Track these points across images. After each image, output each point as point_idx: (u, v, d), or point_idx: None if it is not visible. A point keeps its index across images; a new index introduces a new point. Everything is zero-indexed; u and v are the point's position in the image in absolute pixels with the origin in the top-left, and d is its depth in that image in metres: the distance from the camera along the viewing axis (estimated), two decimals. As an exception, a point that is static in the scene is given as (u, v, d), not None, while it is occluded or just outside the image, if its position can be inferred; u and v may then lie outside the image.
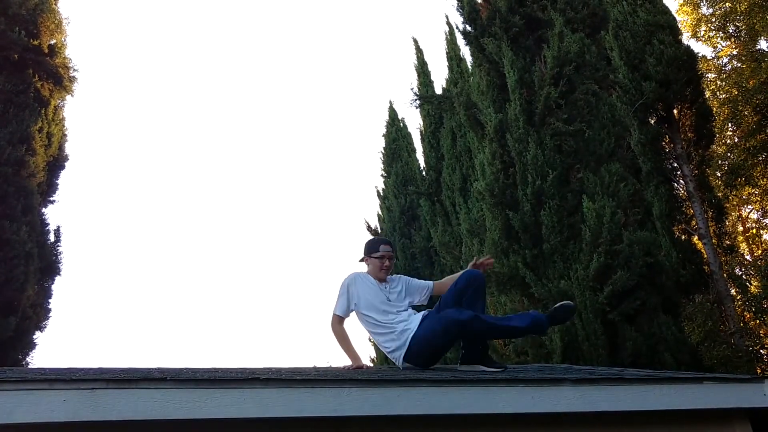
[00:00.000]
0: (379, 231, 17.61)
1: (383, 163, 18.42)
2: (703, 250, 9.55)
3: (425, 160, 16.73)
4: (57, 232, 11.78)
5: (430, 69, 17.43)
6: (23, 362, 10.49)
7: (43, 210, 11.71)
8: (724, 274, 9.49)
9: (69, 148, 12.75)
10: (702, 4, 15.14)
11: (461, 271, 4.43)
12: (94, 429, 2.60)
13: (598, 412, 3.03)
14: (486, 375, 3.49)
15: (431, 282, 4.65)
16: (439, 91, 16.55)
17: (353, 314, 4.37)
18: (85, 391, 2.56)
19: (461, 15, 9.79)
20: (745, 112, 13.32)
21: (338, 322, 4.31)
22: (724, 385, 3.19)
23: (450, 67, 16.19)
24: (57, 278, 11.56)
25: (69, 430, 2.58)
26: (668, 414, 3.14)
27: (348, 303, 4.30)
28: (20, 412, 2.48)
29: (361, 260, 4.53)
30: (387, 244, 4.50)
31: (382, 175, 18.43)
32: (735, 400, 3.15)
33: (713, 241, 9.59)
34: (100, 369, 3.74)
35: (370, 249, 4.46)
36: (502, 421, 2.99)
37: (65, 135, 12.66)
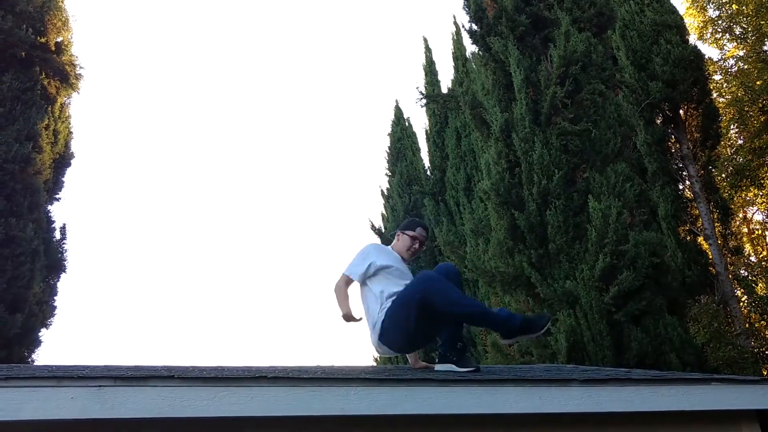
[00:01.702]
0: (383, 230, 17.61)
1: (388, 163, 18.43)
2: (708, 251, 9.55)
3: (430, 160, 16.73)
4: (63, 229, 11.81)
5: (437, 68, 17.45)
6: (29, 359, 10.51)
7: (49, 207, 11.73)
8: (730, 276, 9.49)
9: (75, 146, 12.79)
10: (708, 6, 15.11)
11: None
12: (101, 426, 2.60)
13: (606, 412, 3.02)
14: (493, 374, 3.48)
15: None
16: (445, 90, 16.57)
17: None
18: (93, 389, 2.55)
19: (468, 14, 9.77)
20: (751, 113, 13.29)
21: (345, 283, 4.09)
22: (732, 386, 3.17)
23: (456, 67, 16.19)
24: (62, 276, 11.59)
25: (77, 427, 2.58)
26: (676, 415, 3.13)
27: (366, 268, 4.06)
28: (28, 409, 2.48)
29: (393, 233, 4.43)
30: (425, 229, 4.37)
31: (386, 175, 18.44)
32: (743, 401, 3.14)
33: (719, 242, 9.58)
34: (106, 366, 3.74)
35: (407, 226, 4.36)
36: (510, 421, 2.98)
37: (71, 132, 12.68)
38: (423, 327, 3.87)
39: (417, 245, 4.28)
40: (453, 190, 14.84)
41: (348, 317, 3.93)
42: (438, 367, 3.91)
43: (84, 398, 2.53)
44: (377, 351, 4.13)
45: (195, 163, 41.32)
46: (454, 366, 3.81)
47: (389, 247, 4.37)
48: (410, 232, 4.29)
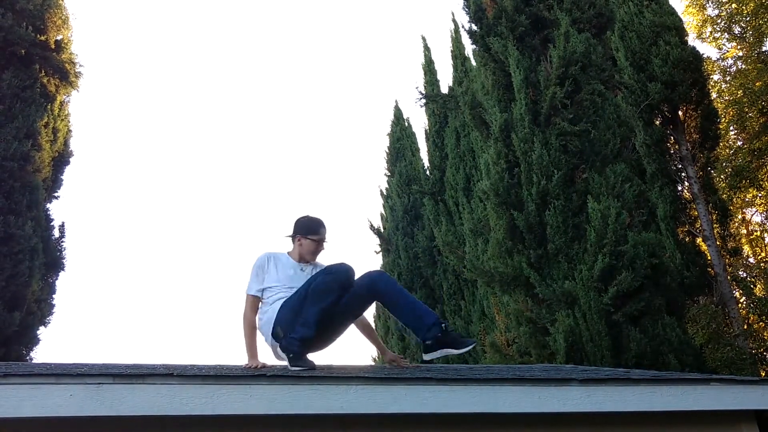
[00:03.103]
0: (382, 230, 17.62)
1: (387, 162, 18.42)
2: (707, 252, 9.55)
3: (429, 160, 16.72)
4: (62, 227, 11.79)
5: (436, 68, 17.42)
6: (27, 357, 10.50)
7: (48, 206, 11.71)
8: (728, 277, 9.49)
9: (74, 144, 12.77)
10: (707, 5, 15.12)
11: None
12: (100, 424, 2.60)
13: (605, 412, 3.02)
14: (492, 373, 3.48)
15: None
16: (444, 90, 16.55)
17: None
18: (92, 386, 2.56)
19: (467, 14, 9.78)
20: (751, 115, 13.29)
21: (252, 305, 3.95)
22: (731, 387, 3.18)
23: (455, 66, 16.18)
24: (61, 274, 11.57)
25: (76, 424, 2.58)
26: (675, 415, 3.13)
27: (263, 281, 3.99)
28: (28, 406, 2.48)
29: (291, 236, 4.19)
30: (325, 229, 4.20)
31: (385, 174, 18.44)
32: (743, 401, 3.14)
33: (717, 243, 9.58)
34: (105, 364, 3.74)
35: (309, 229, 4.13)
36: (509, 420, 2.98)
37: (70, 131, 12.66)
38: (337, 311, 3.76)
39: (321, 246, 4.16)
40: (452, 190, 14.84)
41: (257, 368, 3.61)
42: (429, 356, 3.62)
43: (83, 396, 2.53)
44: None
45: (194, 162, 41.31)
46: (451, 350, 3.56)
47: (286, 253, 4.21)
48: (314, 236, 4.11)
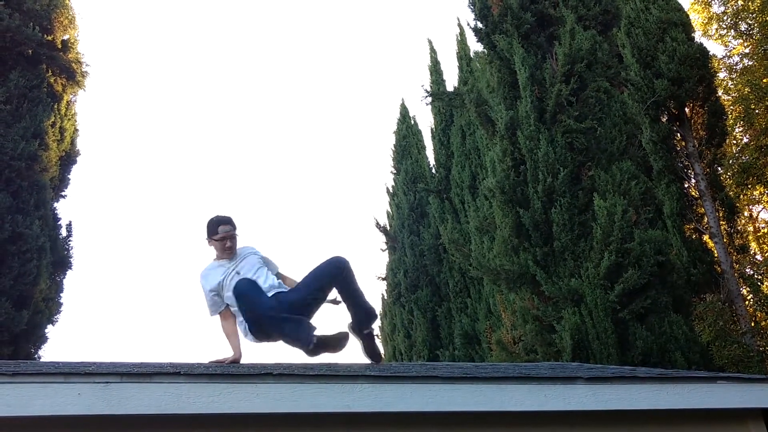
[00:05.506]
0: (388, 228, 17.63)
1: (393, 161, 18.45)
2: (714, 249, 9.51)
3: (435, 158, 16.74)
4: (69, 226, 11.85)
5: (442, 68, 17.51)
6: (35, 355, 10.55)
7: (55, 205, 11.77)
8: (735, 274, 9.44)
9: (81, 143, 12.82)
10: (713, 2, 15.04)
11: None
12: (108, 422, 2.62)
13: (611, 411, 3.02)
14: (497, 372, 3.48)
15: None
16: (450, 90, 16.62)
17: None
18: (100, 385, 2.57)
19: (473, 12, 9.77)
20: (758, 111, 13.21)
21: (224, 319, 4.19)
22: (738, 385, 3.17)
23: (460, 67, 16.23)
24: (68, 272, 11.63)
25: (84, 423, 2.59)
26: (681, 414, 3.13)
27: (214, 300, 4.18)
28: (36, 404, 2.50)
29: (208, 243, 4.34)
30: (226, 224, 4.30)
31: (391, 172, 18.46)
32: (750, 400, 3.13)
33: (724, 240, 9.54)
34: (113, 363, 3.76)
35: (211, 231, 4.29)
36: (515, 418, 2.99)
37: (77, 130, 12.71)
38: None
39: (228, 242, 4.25)
40: (458, 188, 14.85)
41: (235, 361, 4.06)
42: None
43: (91, 394, 2.54)
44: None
45: (200, 160, 41.39)
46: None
47: (213, 261, 4.35)
48: (216, 236, 4.26)
